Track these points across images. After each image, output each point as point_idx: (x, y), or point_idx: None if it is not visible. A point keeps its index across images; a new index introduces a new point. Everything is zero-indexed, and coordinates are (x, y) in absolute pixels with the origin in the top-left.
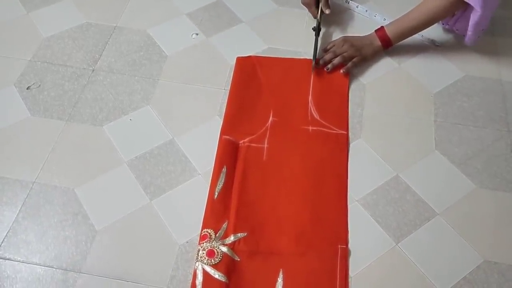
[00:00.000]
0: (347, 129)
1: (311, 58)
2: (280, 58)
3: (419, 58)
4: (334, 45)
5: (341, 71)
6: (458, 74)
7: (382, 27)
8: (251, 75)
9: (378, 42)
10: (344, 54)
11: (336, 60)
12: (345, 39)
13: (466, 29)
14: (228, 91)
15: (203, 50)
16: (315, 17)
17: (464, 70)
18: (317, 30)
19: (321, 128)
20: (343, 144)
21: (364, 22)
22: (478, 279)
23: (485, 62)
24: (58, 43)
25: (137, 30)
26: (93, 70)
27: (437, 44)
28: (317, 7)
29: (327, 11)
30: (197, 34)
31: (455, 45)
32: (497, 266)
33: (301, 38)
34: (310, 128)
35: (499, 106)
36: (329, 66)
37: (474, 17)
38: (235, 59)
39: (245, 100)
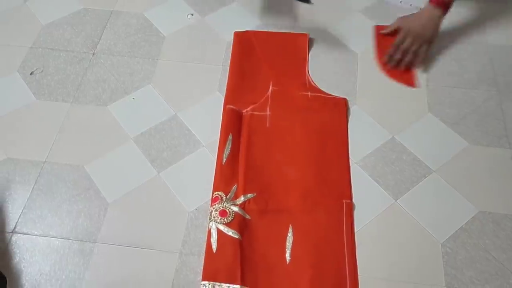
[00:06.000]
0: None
1: (307, 32)
2: (276, 32)
3: None
4: (397, 42)
5: (416, 68)
6: (446, 40)
7: None
8: (249, 48)
9: (437, 12)
10: (412, 48)
11: (408, 58)
12: (406, 33)
13: None
14: (229, 63)
15: (199, 29)
16: None
17: (451, 36)
18: None
19: (319, 94)
20: (342, 108)
21: None
22: (474, 228)
23: (471, 27)
24: (57, 30)
25: (133, 13)
26: (93, 54)
27: None
28: None
29: None
30: (192, 15)
31: None
32: (492, 216)
33: (296, 12)
34: (309, 93)
35: (487, 69)
36: (402, 65)
37: None
38: (233, 34)
39: (245, 72)
